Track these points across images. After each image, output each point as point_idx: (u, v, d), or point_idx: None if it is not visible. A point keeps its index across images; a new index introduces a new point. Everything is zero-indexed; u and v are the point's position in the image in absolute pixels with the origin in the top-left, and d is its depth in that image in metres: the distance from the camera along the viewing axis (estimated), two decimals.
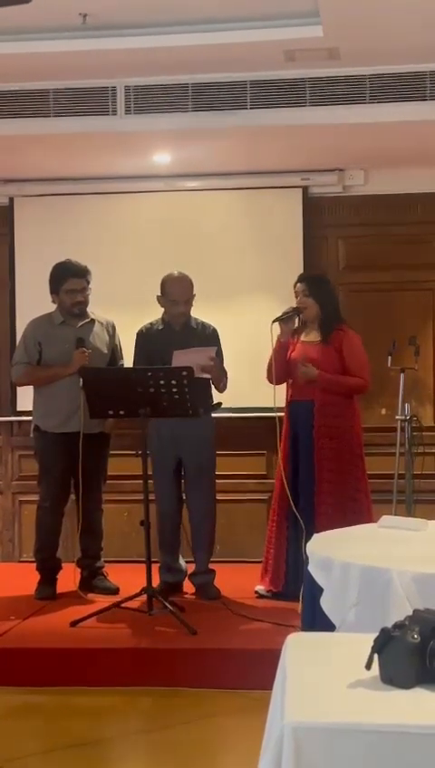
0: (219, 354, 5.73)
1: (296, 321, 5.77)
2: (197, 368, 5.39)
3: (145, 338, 5.82)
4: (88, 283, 5.85)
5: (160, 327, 5.81)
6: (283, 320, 5.68)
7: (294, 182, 7.01)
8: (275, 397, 5.53)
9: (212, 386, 5.75)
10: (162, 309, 5.81)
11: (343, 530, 4.22)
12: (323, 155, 6.65)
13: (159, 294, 5.75)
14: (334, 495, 5.54)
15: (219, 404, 5.83)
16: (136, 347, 5.83)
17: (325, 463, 5.57)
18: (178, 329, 5.77)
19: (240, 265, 7.00)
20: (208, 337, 5.80)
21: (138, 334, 5.85)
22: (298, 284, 5.78)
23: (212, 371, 5.60)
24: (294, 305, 5.76)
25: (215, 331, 5.86)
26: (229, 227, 7.07)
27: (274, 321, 5.63)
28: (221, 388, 5.77)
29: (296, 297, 5.75)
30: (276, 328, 5.66)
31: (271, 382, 5.67)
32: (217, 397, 5.83)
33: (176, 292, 5.71)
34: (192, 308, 5.79)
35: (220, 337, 5.87)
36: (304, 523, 5.39)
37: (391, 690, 2.14)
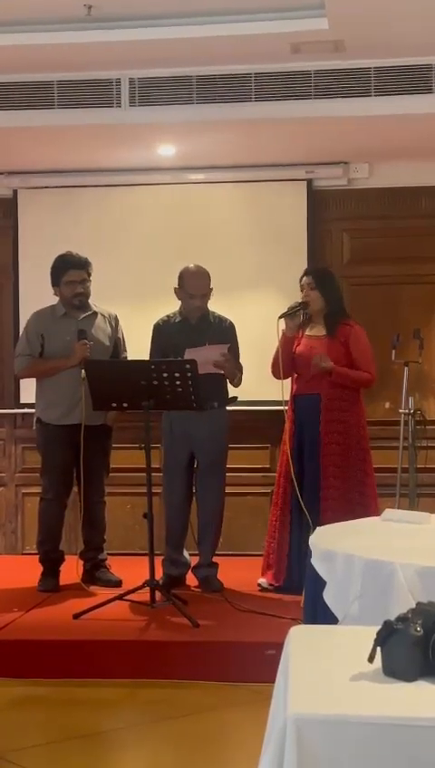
0: (235, 348, 5.72)
1: (302, 315, 5.77)
2: (209, 363, 5.39)
3: (161, 331, 5.81)
4: (89, 274, 5.85)
5: (178, 320, 5.80)
6: (289, 315, 5.67)
7: (299, 175, 6.99)
8: (283, 391, 5.52)
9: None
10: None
11: (345, 523, 4.21)
12: (328, 148, 6.64)
13: (177, 287, 5.74)
14: (340, 490, 5.54)
15: (235, 398, 5.84)
16: (152, 340, 5.82)
17: (332, 458, 5.57)
18: (195, 322, 5.76)
19: (244, 258, 6.99)
20: (225, 331, 5.79)
21: (154, 327, 5.85)
22: (304, 278, 5.77)
23: (225, 367, 5.60)
24: (300, 300, 5.75)
25: (232, 324, 5.85)
26: (233, 220, 7.06)
27: (280, 317, 5.61)
28: (236, 383, 5.78)
29: (302, 291, 5.74)
30: (282, 323, 5.65)
31: (276, 377, 5.65)
32: (232, 391, 5.83)
33: (193, 285, 5.70)
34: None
35: None
36: (308, 516, 5.39)
37: (393, 683, 2.14)
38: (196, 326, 5.75)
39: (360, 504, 5.49)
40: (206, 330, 5.73)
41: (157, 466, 5.67)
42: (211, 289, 5.73)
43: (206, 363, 5.33)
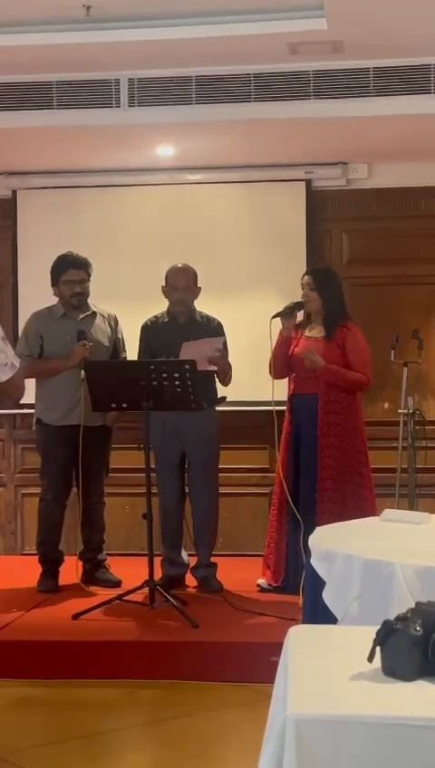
0: (224, 348, 5.73)
1: (299, 315, 5.75)
2: (203, 359, 5.40)
3: (150, 331, 5.82)
4: (88, 275, 5.85)
5: (166, 320, 5.82)
6: (283, 315, 5.66)
7: (298, 175, 7.00)
8: (273, 391, 5.50)
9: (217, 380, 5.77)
10: (166, 302, 5.81)
11: (345, 523, 4.21)
12: (327, 148, 6.64)
13: (163, 285, 5.77)
14: (337, 492, 5.52)
15: (224, 398, 5.84)
16: (140, 340, 5.83)
17: (328, 460, 5.55)
18: (183, 322, 5.77)
19: (243, 259, 6.99)
20: (213, 330, 5.80)
21: (142, 327, 5.85)
22: (305, 277, 5.76)
23: (219, 363, 5.60)
24: (297, 300, 5.74)
25: (219, 324, 5.86)
26: (232, 220, 7.06)
27: (273, 317, 5.59)
28: (226, 382, 5.77)
29: (302, 290, 5.73)
30: (277, 323, 5.63)
31: (274, 377, 5.66)
32: (221, 390, 5.82)
33: (174, 279, 5.73)
34: (196, 300, 5.80)
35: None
36: (303, 517, 5.38)
37: (393, 682, 2.13)
38: (184, 325, 5.76)
39: (356, 507, 5.46)
40: (194, 329, 5.74)
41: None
42: (199, 288, 5.75)
43: (200, 359, 5.33)
